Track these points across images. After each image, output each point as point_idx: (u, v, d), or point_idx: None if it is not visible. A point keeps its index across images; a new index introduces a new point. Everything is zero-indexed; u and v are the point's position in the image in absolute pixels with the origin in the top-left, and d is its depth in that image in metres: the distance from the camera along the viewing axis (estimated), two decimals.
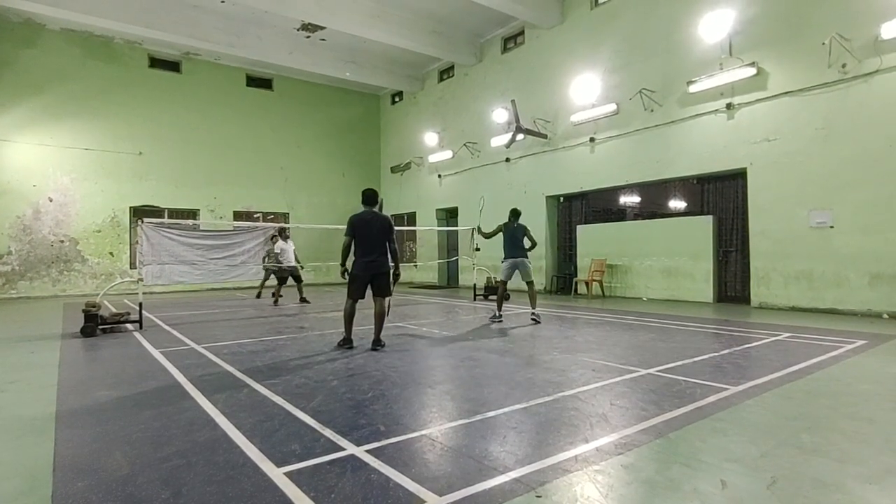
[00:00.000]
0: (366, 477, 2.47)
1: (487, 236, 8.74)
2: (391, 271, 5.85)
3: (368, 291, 5.81)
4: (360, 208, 5.87)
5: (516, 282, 8.52)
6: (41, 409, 3.71)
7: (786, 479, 2.40)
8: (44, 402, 3.87)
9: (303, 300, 11.55)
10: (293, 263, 11.22)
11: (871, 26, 8.15)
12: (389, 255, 5.79)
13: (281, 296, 11.51)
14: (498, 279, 8.36)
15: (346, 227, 5.74)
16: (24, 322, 8.94)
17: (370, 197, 5.85)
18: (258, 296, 12.57)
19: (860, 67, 8.33)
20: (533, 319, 7.82)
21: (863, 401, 3.67)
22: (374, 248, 5.65)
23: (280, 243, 10.97)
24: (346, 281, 5.80)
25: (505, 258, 8.06)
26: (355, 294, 5.73)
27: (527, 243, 8.08)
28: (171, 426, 3.26)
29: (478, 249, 12.54)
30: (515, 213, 8.28)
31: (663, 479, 2.42)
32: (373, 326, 5.89)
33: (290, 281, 11.66)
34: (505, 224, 8.20)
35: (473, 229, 9.40)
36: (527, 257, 8.03)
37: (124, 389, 4.22)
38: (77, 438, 3.09)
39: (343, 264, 5.85)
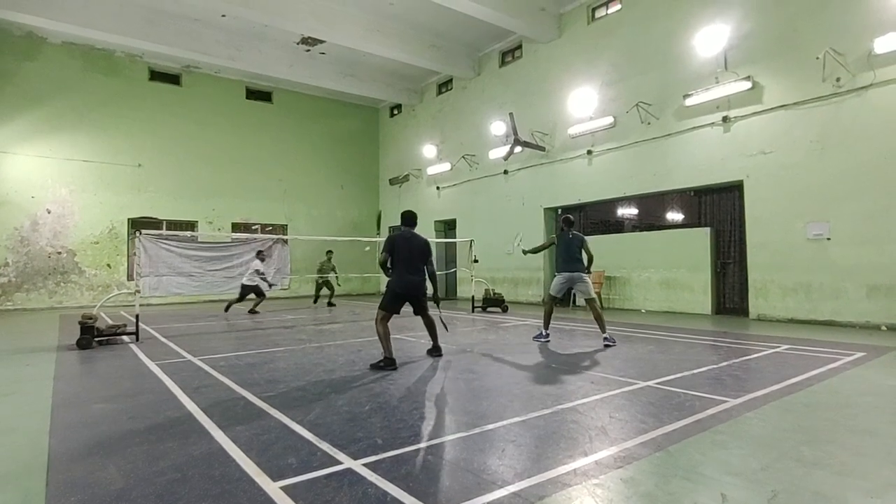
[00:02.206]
0: (363, 491, 2.45)
1: (536, 251, 7.78)
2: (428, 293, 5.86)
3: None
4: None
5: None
6: (35, 422, 3.67)
7: (786, 493, 2.38)
8: (38, 415, 3.84)
9: (251, 311, 12.04)
10: (255, 282, 11.38)
11: (865, 41, 8.25)
12: (427, 278, 5.75)
13: (257, 312, 12.07)
14: (548, 295, 7.39)
15: (384, 245, 5.72)
16: (19, 334, 8.88)
17: (410, 218, 5.88)
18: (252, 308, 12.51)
19: (854, 81, 8.42)
20: (606, 343, 6.72)
21: (863, 413, 3.66)
22: (412, 268, 5.61)
23: (256, 262, 11.13)
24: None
25: (559, 272, 7.02)
26: (392, 309, 5.63)
27: (584, 258, 7.11)
28: (166, 439, 3.23)
29: (476, 261, 12.55)
30: (569, 222, 7.32)
31: (663, 493, 2.40)
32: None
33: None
34: (558, 234, 7.24)
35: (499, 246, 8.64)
36: (585, 272, 7.01)
37: (120, 402, 4.18)
38: (71, 452, 3.06)
39: (387, 274, 5.77)
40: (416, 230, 5.87)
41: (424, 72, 17.15)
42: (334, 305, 14.04)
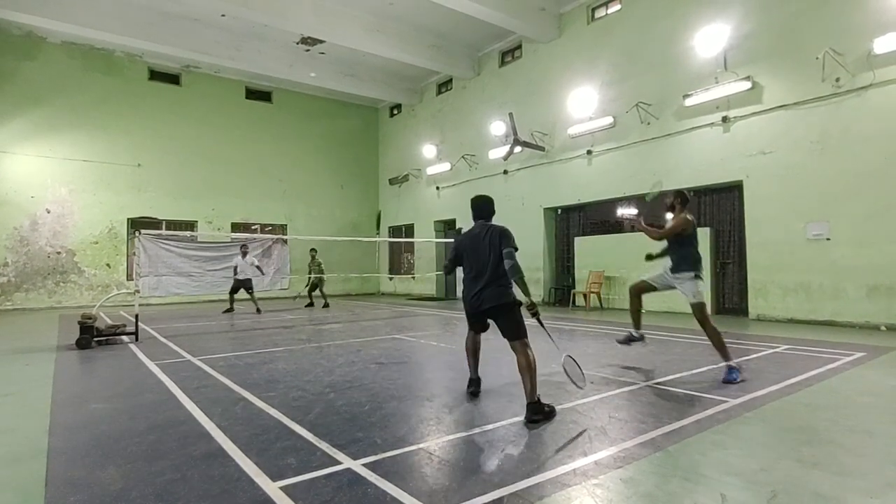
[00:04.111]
0: (362, 491, 2.45)
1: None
2: (515, 302, 3.94)
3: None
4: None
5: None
6: (35, 423, 3.67)
7: (786, 493, 2.38)
8: (37, 415, 3.83)
9: (257, 311, 12.06)
10: (247, 276, 11.44)
11: (864, 41, 8.26)
12: (510, 276, 3.89)
13: (232, 308, 12.15)
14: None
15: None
16: (19, 334, 8.88)
17: (481, 206, 4.26)
18: (227, 311, 12.41)
19: (854, 81, 8.42)
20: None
21: (862, 413, 3.66)
22: (481, 273, 3.95)
23: (237, 259, 11.25)
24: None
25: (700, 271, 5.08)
26: (471, 326, 4.29)
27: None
28: (165, 439, 3.23)
29: None
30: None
31: (663, 493, 2.40)
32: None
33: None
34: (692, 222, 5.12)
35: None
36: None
37: (119, 402, 4.18)
38: (70, 452, 3.06)
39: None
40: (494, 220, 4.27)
41: (424, 72, 17.14)
42: (328, 306, 13.79)
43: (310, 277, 13.94)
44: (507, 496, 2.38)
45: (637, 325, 5.55)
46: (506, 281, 3.92)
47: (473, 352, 4.35)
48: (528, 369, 3.74)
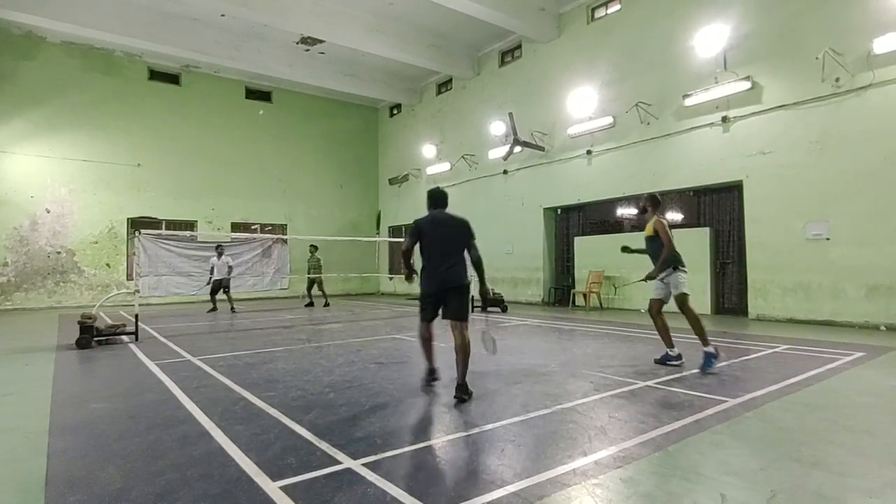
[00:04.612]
0: (362, 491, 2.45)
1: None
2: (470, 287, 4.40)
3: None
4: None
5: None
6: (34, 422, 3.67)
7: (786, 493, 2.38)
8: (37, 415, 3.83)
9: (231, 310, 12.26)
10: (223, 276, 11.41)
11: (864, 41, 8.26)
12: (471, 266, 4.38)
13: (215, 308, 12.35)
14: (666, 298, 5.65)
15: (409, 232, 4.45)
16: (18, 334, 8.87)
17: (440, 198, 4.51)
18: (211, 311, 12.48)
19: (853, 81, 8.43)
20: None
21: (862, 413, 3.66)
22: (447, 257, 4.26)
23: (213, 259, 11.24)
24: (420, 293, 4.49)
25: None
26: (425, 315, 4.45)
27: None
28: (165, 439, 3.23)
29: None
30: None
31: (662, 493, 2.40)
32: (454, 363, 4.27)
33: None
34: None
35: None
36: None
37: (119, 402, 4.18)
38: (70, 452, 3.06)
39: (409, 268, 4.48)
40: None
41: (424, 71, 17.14)
42: (328, 305, 13.91)
43: (308, 276, 13.93)
44: (508, 495, 2.38)
45: (669, 343, 5.56)
46: (465, 265, 4.33)
47: (430, 343, 4.56)
48: (465, 350, 4.15)
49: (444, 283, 4.25)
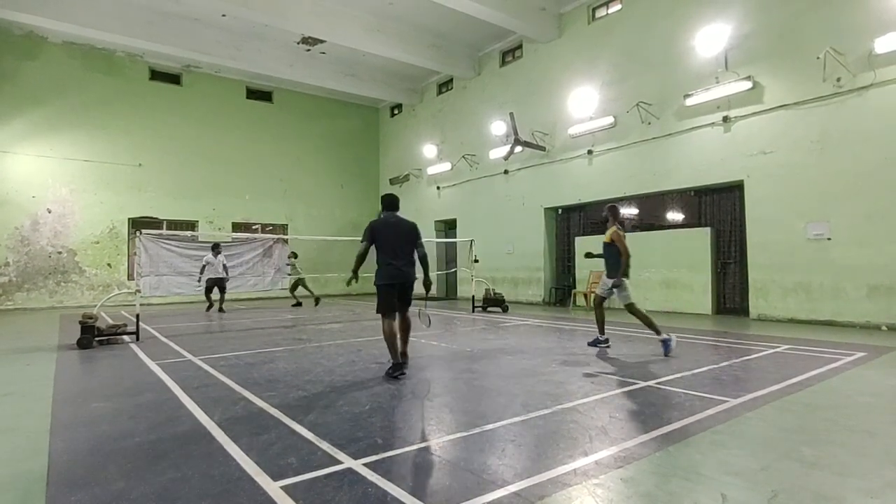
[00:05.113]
0: (363, 491, 2.45)
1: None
2: (418, 281, 5.15)
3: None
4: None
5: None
6: (36, 422, 3.67)
7: (786, 493, 2.38)
8: (38, 415, 3.84)
9: (220, 310, 12.19)
10: (219, 275, 11.32)
11: (865, 41, 8.25)
12: (418, 263, 5.16)
13: (212, 305, 12.34)
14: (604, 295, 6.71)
15: (363, 233, 5.10)
16: (20, 333, 8.88)
17: (392, 202, 5.27)
18: (209, 308, 12.52)
19: (854, 81, 8.42)
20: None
21: (863, 413, 3.66)
22: (399, 254, 5.03)
23: (208, 256, 11.09)
24: (373, 293, 5.14)
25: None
26: (388, 309, 5.05)
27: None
28: (166, 439, 3.24)
29: (476, 261, 12.53)
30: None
31: (663, 493, 2.40)
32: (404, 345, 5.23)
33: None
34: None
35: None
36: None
37: (120, 402, 4.19)
38: (71, 451, 3.06)
39: (355, 271, 5.17)
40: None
41: (425, 71, 17.14)
42: (318, 304, 13.91)
43: (295, 280, 13.87)
44: (508, 495, 2.38)
45: (601, 331, 6.60)
46: (415, 263, 5.16)
47: (395, 337, 5.06)
48: (409, 330, 5.28)
49: (402, 277, 5.05)
